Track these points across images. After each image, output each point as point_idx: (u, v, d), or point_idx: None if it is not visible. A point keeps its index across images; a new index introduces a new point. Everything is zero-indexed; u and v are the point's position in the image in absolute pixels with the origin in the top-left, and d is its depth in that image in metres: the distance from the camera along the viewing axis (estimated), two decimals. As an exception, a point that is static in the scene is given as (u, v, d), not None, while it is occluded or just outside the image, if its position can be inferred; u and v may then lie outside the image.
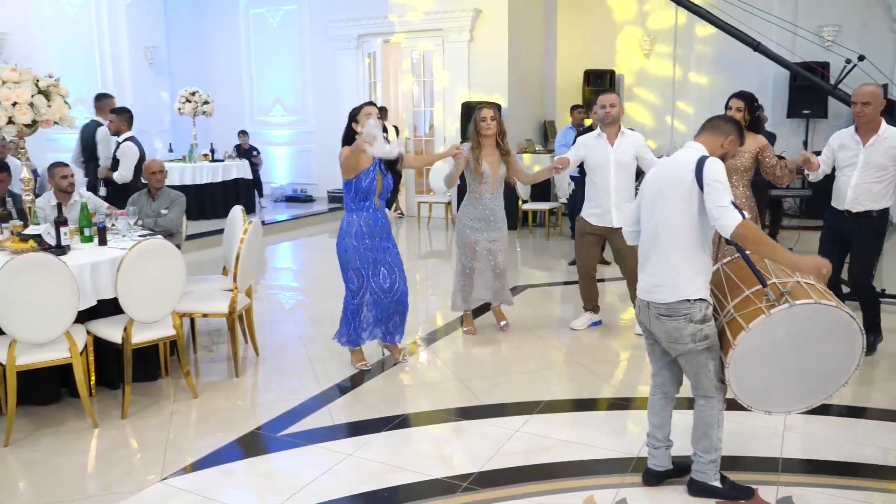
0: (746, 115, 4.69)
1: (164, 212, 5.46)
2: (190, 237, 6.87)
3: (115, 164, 6.86)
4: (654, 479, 3.09)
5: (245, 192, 10.83)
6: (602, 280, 6.24)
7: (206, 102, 10.55)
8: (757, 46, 6.08)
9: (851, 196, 4.50)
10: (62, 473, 3.33)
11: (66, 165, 5.31)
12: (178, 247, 5.58)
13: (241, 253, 4.46)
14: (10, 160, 6.26)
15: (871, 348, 4.60)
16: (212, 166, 10.44)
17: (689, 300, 2.80)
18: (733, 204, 2.66)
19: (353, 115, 4.32)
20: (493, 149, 4.97)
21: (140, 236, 4.60)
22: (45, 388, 4.04)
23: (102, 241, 4.39)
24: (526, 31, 10.78)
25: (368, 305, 4.44)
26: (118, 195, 6.47)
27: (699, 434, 2.94)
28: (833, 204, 4.65)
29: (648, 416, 3.12)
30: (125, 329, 3.88)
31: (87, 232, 4.44)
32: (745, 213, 2.72)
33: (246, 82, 12.66)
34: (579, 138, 5.35)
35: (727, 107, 4.75)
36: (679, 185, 2.80)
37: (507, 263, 5.21)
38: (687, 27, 10.66)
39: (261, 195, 11.72)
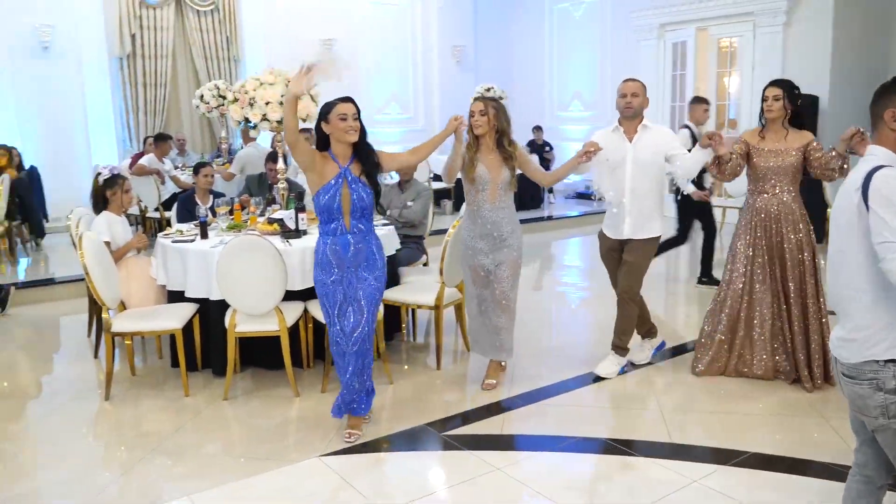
0: (787, 106, 4.01)
1: (409, 203, 5.77)
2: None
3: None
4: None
5: (533, 187, 10.98)
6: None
7: (500, 98, 10.90)
8: None
9: None
10: (252, 433, 3.73)
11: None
12: (422, 237, 5.92)
13: (447, 249, 4.50)
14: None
15: None
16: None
17: (876, 361, 2.09)
18: None
19: (324, 114, 3.42)
20: (492, 149, 4.04)
21: (382, 225, 4.91)
22: (273, 355, 4.55)
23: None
24: (856, 13, 9.11)
25: (337, 358, 3.56)
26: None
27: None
28: None
29: (843, 504, 2.42)
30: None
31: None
32: None
33: (546, 77, 12.79)
34: (594, 133, 4.37)
35: (763, 97, 4.07)
36: (846, 209, 2.10)
37: (514, 295, 4.15)
38: None
39: (550, 191, 11.79)
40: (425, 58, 12.09)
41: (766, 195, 4.11)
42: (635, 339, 4.52)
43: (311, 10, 10.77)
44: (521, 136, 11.52)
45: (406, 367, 4.70)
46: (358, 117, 3.41)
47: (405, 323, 5.24)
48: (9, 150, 8.12)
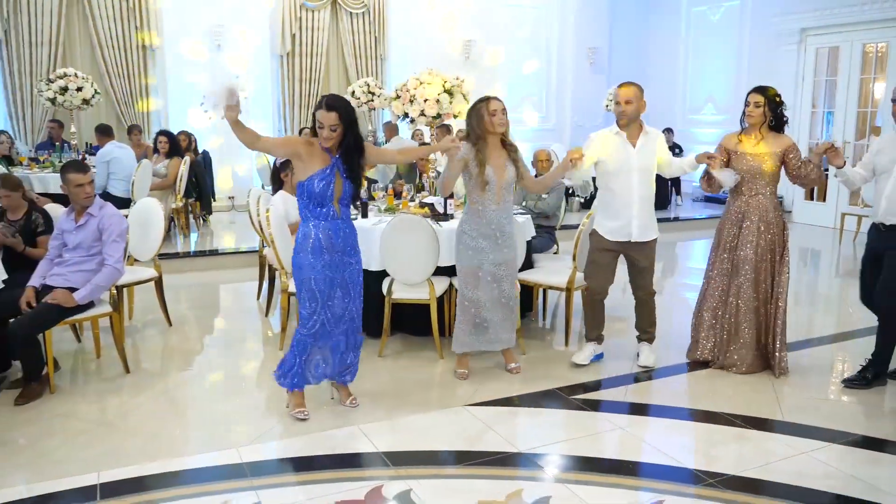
0: (767, 113, 4.19)
1: (545, 196, 6.23)
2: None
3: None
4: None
5: (660, 187, 11.13)
6: None
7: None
8: None
9: (885, 206, 4.01)
10: (404, 385, 4.32)
11: None
12: (554, 227, 6.37)
13: (580, 238, 4.92)
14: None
15: (863, 382, 4.22)
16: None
17: None
18: None
19: (315, 109, 3.58)
20: (500, 149, 4.09)
21: (519, 214, 5.41)
22: (419, 322, 5.13)
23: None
24: None
25: (318, 338, 3.70)
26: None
27: None
28: (870, 217, 4.19)
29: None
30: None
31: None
32: None
33: (680, 80, 12.83)
34: (593, 134, 4.43)
35: (746, 103, 4.24)
36: None
37: (514, 293, 4.33)
38: None
39: (678, 192, 11.90)
40: (560, 59, 12.47)
41: (743, 196, 4.31)
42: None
43: (452, 11, 11.42)
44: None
45: (537, 341, 5.19)
46: (337, 128, 3.43)
47: (536, 303, 5.73)
48: (189, 136, 9.25)
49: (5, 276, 4.31)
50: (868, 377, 4.24)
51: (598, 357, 4.68)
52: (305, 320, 3.64)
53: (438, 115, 5.35)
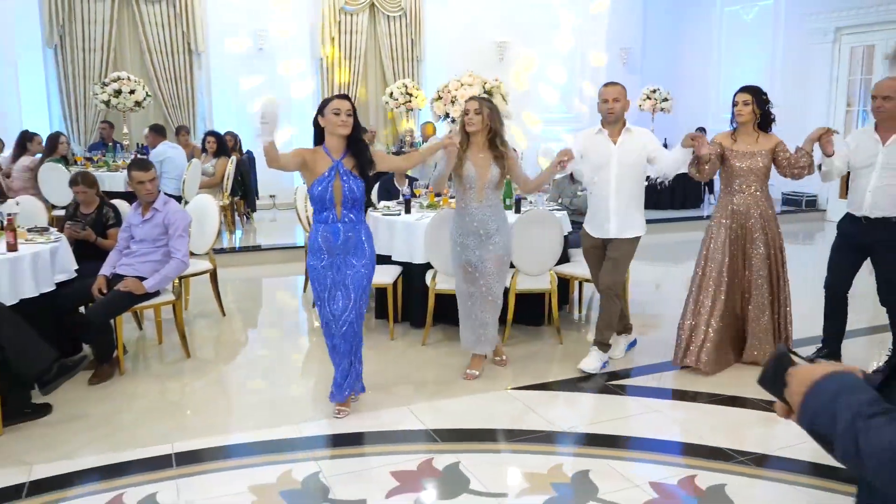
0: (756, 110, 4.30)
1: (580, 193, 6.43)
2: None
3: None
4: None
5: (694, 186, 11.25)
6: None
7: (665, 100, 11.26)
8: None
9: (871, 200, 4.18)
10: (448, 370, 4.54)
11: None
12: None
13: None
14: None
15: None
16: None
17: None
18: None
19: (321, 109, 3.67)
20: (483, 148, 4.14)
21: (550, 210, 5.63)
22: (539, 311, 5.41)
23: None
24: None
25: (326, 336, 3.82)
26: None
27: None
28: (849, 210, 4.37)
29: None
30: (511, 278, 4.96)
31: (506, 202, 5.66)
32: None
33: (712, 80, 12.89)
34: (577, 134, 4.59)
35: (734, 102, 4.37)
36: None
37: (499, 290, 4.35)
38: None
39: (711, 191, 11.97)
40: (594, 59, 12.62)
41: (742, 194, 4.39)
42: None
43: (487, 13, 11.63)
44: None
45: (573, 332, 5.40)
46: (352, 114, 3.61)
47: (572, 295, 5.94)
48: (234, 136, 9.61)
49: (76, 267, 4.64)
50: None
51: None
52: (321, 322, 3.82)
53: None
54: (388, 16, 11.63)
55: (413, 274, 5.32)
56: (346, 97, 3.70)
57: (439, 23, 11.73)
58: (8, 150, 8.38)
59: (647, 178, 4.73)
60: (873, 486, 1.04)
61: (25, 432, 3.67)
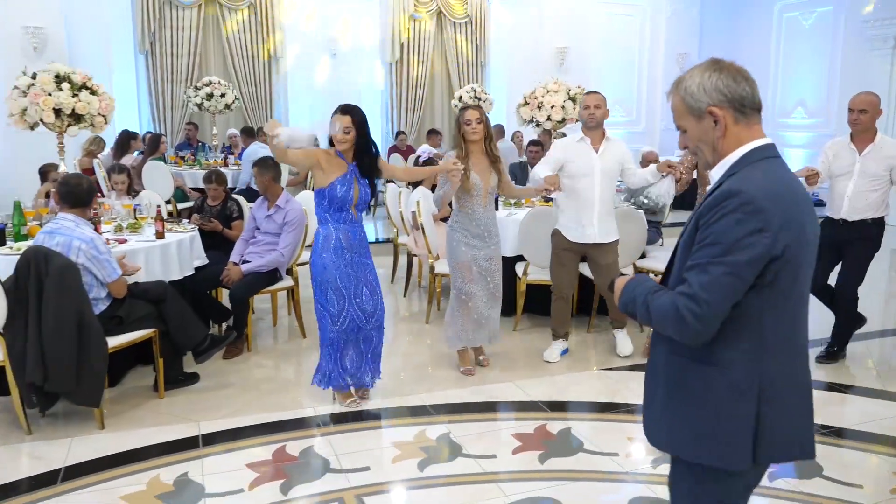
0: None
1: (650, 196, 6.84)
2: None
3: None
4: None
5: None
6: None
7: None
8: None
9: (848, 205, 4.51)
10: (536, 353, 4.98)
11: None
12: (660, 223, 6.97)
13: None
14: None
15: (831, 358, 4.75)
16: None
17: None
18: None
19: (332, 116, 3.84)
20: (482, 156, 4.33)
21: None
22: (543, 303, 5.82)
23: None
24: None
25: (349, 333, 3.94)
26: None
27: None
28: (828, 213, 4.66)
29: None
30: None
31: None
32: None
33: (770, 84, 13.10)
34: (557, 142, 4.74)
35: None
36: None
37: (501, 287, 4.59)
38: None
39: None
40: (651, 64, 12.96)
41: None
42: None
43: (549, 19, 12.03)
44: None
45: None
46: (350, 130, 3.72)
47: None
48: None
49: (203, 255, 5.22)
50: None
51: (564, 352, 4.90)
52: (335, 318, 3.88)
53: (563, 120, 6.03)
54: (455, 22, 12.13)
55: (503, 266, 5.76)
56: (347, 111, 3.75)
57: (503, 29, 12.20)
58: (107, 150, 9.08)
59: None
60: (657, 331, 1.82)
61: (184, 397, 4.23)
